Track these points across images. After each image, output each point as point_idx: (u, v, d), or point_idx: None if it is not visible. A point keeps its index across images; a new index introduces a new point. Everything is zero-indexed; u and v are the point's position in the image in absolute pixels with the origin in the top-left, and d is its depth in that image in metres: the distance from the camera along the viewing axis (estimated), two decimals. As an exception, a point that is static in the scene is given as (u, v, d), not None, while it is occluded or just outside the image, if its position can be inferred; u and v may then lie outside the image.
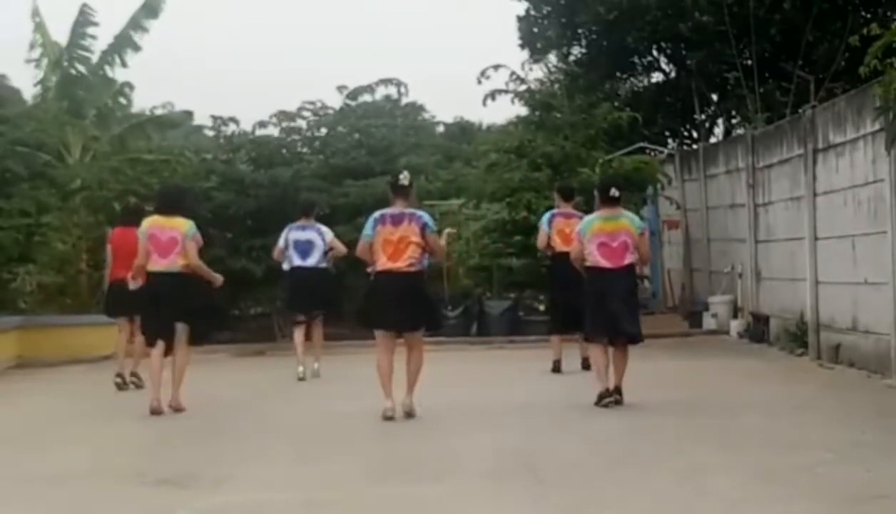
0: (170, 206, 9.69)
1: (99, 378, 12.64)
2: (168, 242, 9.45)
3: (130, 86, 19.57)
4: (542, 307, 17.82)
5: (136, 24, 18.37)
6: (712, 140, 20.23)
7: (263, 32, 74.98)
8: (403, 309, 8.74)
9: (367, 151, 17.72)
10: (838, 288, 12.08)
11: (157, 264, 9.44)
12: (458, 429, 8.38)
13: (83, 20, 18.12)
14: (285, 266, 11.85)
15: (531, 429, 8.33)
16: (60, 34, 18.46)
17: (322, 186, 16.39)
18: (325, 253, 11.75)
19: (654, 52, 20.74)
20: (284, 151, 17.70)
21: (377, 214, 8.89)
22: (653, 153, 18.44)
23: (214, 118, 18.01)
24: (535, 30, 20.65)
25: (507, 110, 43.47)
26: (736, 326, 15.56)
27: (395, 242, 8.70)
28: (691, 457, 7.13)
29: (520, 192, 16.25)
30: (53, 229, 16.04)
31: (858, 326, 11.57)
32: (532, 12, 20.65)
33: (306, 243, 11.66)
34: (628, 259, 9.26)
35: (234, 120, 17.79)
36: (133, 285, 9.97)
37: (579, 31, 20.09)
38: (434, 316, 9.48)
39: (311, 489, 6.50)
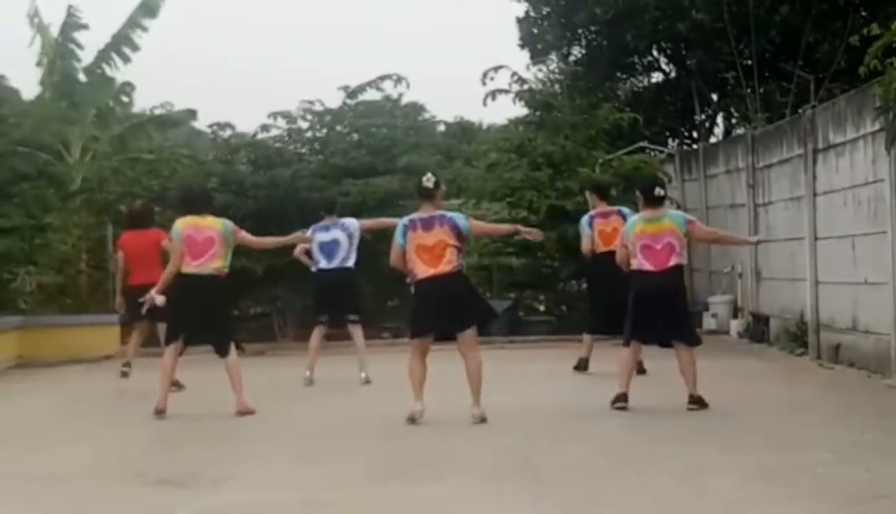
0: (200, 205, 9.48)
1: (99, 378, 12.64)
2: (204, 242, 9.23)
3: (131, 85, 19.54)
4: (542, 307, 17.87)
5: (134, 23, 18.35)
6: (712, 140, 20.24)
7: (263, 32, 75.01)
8: (454, 311, 8.55)
9: (368, 151, 17.71)
10: (838, 288, 12.08)
11: (189, 266, 9.21)
12: (458, 429, 8.38)
13: (71, 22, 18.09)
14: (312, 268, 11.44)
15: (531, 429, 8.33)
16: (58, 34, 18.44)
17: (322, 185, 16.38)
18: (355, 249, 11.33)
19: (654, 52, 20.74)
20: (283, 151, 17.70)
21: (406, 220, 8.70)
22: (653, 153, 18.44)
23: (211, 125, 18.04)
24: (535, 31, 20.65)
25: (507, 110, 43.50)
26: (736, 326, 15.56)
27: (430, 247, 8.50)
28: (691, 457, 7.13)
29: (521, 190, 16.25)
30: (54, 230, 16.05)
31: (858, 326, 11.58)
32: (531, 13, 20.66)
33: (331, 244, 11.27)
34: (674, 261, 9.07)
35: (230, 125, 17.80)
36: (160, 301, 9.41)
37: (579, 31, 20.11)
38: (487, 309, 9.30)
39: (311, 489, 6.50)
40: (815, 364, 12.29)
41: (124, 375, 11.18)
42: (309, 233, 11.16)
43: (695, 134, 21.43)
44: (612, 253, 10.46)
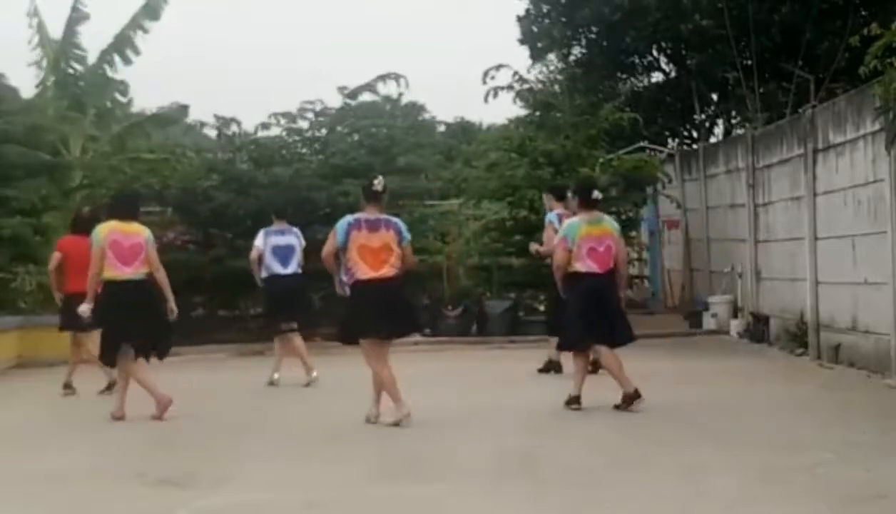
0: (129, 211, 9.36)
1: (99, 378, 12.63)
2: (131, 248, 9.12)
3: (125, 84, 19.53)
4: (542, 307, 17.86)
5: (136, 24, 18.34)
6: (712, 140, 20.24)
7: (263, 32, 75.07)
8: (389, 317, 8.53)
9: (368, 151, 17.72)
10: (838, 288, 12.08)
11: (121, 272, 9.06)
12: (457, 429, 8.38)
13: (76, 17, 18.09)
14: (263, 274, 11.31)
15: (531, 429, 8.33)
16: (59, 34, 18.43)
17: (322, 185, 16.39)
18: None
19: (654, 53, 20.74)
20: (284, 151, 17.70)
21: (350, 218, 8.61)
22: (653, 153, 18.45)
23: (217, 117, 18.01)
24: (535, 29, 20.65)
25: (507, 110, 43.54)
26: (736, 326, 15.56)
27: (375, 249, 8.47)
28: (691, 457, 7.13)
29: (522, 189, 16.24)
30: (53, 229, 16.02)
31: (858, 326, 11.57)
32: (532, 11, 20.66)
33: (286, 249, 11.22)
34: (612, 263, 9.18)
35: (235, 120, 17.79)
36: (84, 309, 9.22)
37: (580, 30, 20.11)
38: (416, 321, 9.36)
39: (311, 489, 6.50)
40: (815, 364, 12.29)
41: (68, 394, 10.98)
42: (261, 236, 11.23)
43: (695, 134, 21.43)
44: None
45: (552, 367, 11.51)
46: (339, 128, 18.27)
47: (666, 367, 12.11)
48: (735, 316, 15.79)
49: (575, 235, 9.17)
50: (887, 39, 9.33)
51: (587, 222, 9.22)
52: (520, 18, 20.85)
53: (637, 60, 20.92)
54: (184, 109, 20.48)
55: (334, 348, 13.12)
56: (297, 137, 18.13)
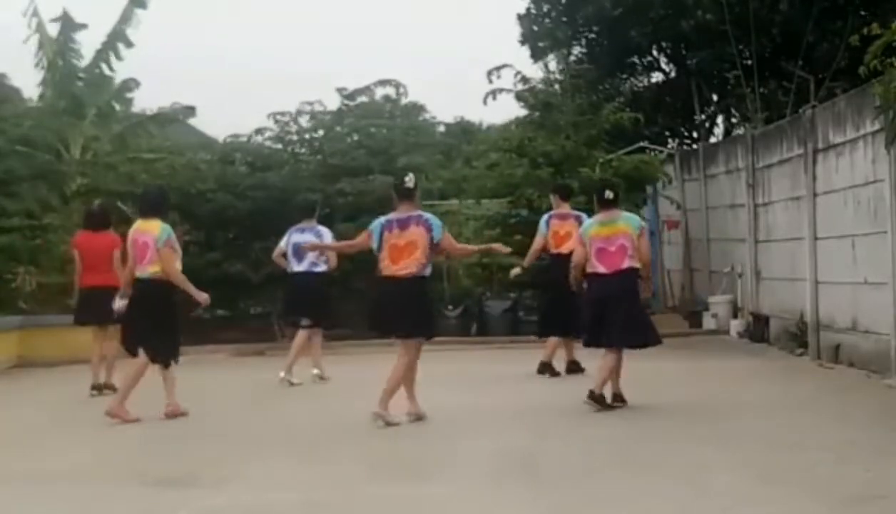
0: (148, 208, 9.35)
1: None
2: (142, 247, 9.13)
3: (135, 82, 19.51)
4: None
5: (126, 18, 18.34)
6: (712, 140, 20.25)
7: (263, 32, 74.97)
8: (400, 316, 8.56)
9: (367, 152, 17.72)
10: (838, 288, 12.08)
11: (137, 271, 9.17)
12: (458, 429, 8.38)
13: (68, 24, 18.09)
14: (288, 270, 11.52)
15: (531, 429, 8.33)
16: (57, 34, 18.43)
17: (320, 185, 16.39)
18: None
19: (655, 52, 20.76)
20: (277, 153, 17.72)
21: (384, 219, 8.67)
22: (653, 153, 18.45)
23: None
24: (536, 28, 20.67)
25: (507, 110, 43.56)
26: (736, 326, 15.56)
27: (401, 246, 8.50)
28: (691, 457, 7.13)
29: (522, 188, 16.24)
30: (54, 230, 16.03)
31: (858, 326, 11.57)
32: (532, 10, 20.67)
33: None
34: (627, 263, 9.09)
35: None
36: (119, 305, 9.43)
37: (581, 29, 20.12)
38: (428, 326, 8.96)
39: (311, 489, 6.51)
40: (815, 364, 12.29)
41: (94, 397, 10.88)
42: (287, 234, 11.38)
43: (695, 134, 21.44)
44: (562, 255, 10.70)
45: (546, 369, 11.48)
46: (338, 128, 18.27)
47: (666, 367, 12.10)
48: (735, 316, 15.79)
49: (586, 235, 9.25)
50: (887, 39, 9.33)
51: (599, 223, 9.25)
52: (520, 17, 20.86)
53: (637, 60, 20.93)
54: (190, 110, 20.48)
55: (335, 347, 13.19)
56: (294, 138, 18.13)
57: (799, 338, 13.22)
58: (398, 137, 19.33)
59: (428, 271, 8.66)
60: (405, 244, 8.51)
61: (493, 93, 17.69)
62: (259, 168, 17.10)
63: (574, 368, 11.45)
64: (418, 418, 8.66)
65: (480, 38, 66.32)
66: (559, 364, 11.49)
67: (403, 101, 22.64)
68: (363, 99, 18.81)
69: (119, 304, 9.45)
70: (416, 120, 28.54)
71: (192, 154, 18.77)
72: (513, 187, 16.61)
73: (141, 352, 9.21)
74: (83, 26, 18.01)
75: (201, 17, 65.64)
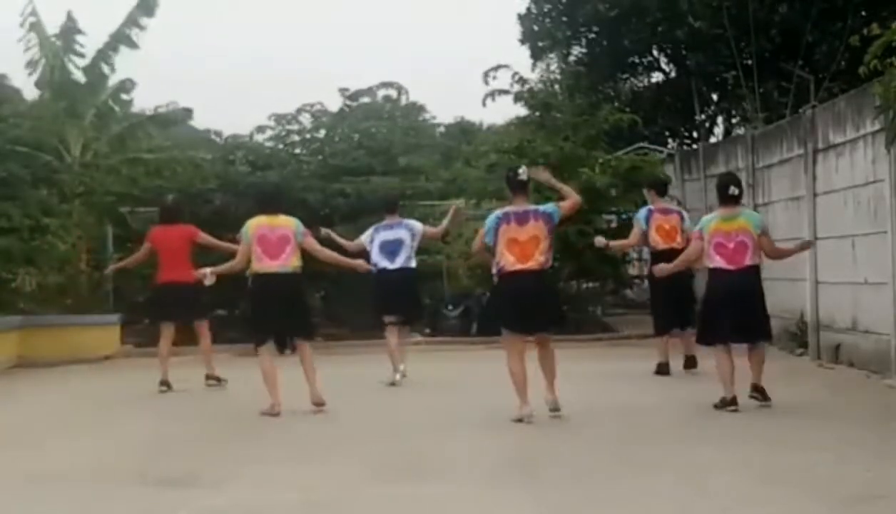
0: (274, 205, 9.52)
1: (99, 378, 12.66)
2: (279, 241, 9.26)
3: (132, 82, 19.50)
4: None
5: (132, 21, 18.33)
6: (712, 140, 20.24)
7: (262, 32, 75.03)
8: (537, 309, 8.50)
9: (367, 152, 17.73)
10: (838, 288, 12.08)
11: (269, 266, 9.25)
12: (458, 429, 8.38)
13: (71, 26, 18.09)
14: (372, 269, 11.09)
15: (531, 429, 8.32)
16: (57, 33, 18.43)
17: (319, 185, 16.37)
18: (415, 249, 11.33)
19: (655, 52, 20.77)
20: (277, 153, 17.73)
21: (500, 212, 8.62)
22: (649, 153, 18.44)
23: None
24: (536, 28, 20.67)
25: (507, 110, 43.54)
26: (736, 326, 15.52)
27: (523, 242, 8.44)
28: (691, 457, 7.13)
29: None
30: (53, 230, 16.03)
31: (858, 326, 11.57)
32: (533, 10, 20.68)
33: (394, 244, 11.16)
34: (748, 260, 8.99)
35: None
36: (209, 281, 9.64)
37: (581, 29, 20.12)
38: (562, 318, 9.22)
39: (311, 489, 6.50)
40: (815, 364, 12.29)
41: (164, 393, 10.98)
42: (370, 231, 11.25)
43: (695, 134, 21.45)
44: (672, 250, 10.76)
45: (665, 369, 11.32)
46: (338, 128, 18.28)
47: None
48: (735, 316, 15.75)
49: (705, 230, 9.17)
50: (887, 39, 9.32)
51: (721, 218, 9.14)
52: (521, 17, 20.86)
53: (637, 60, 20.94)
54: (187, 112, 20.49)
55: (336, 348, 13.18)
56: (295, 138, 18.15)
57: (799, 338, 13.22)
58: (398, 137, 19.34)
59: (550, 263, 8.67)
60: (527, 239, 8.46)
61: (492, 94, 17.71)
62: (260, 167, 17.10)
63: (691, 363, 11.33)
64: (557, 408, 8.60)
65: (480, 39, 66.39)
66: (672, 362, 11.38)
67: (404, 102, 22.66)
68: (365, 99, 18.84)
69: (209, 279, 9.54)
70: (416, 120, 28.58)
71: (192, 152, 18.77)
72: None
73: (270, 345, 9.43)
74: (81, 32, 18.03)
75: (201, 17, 65.69)
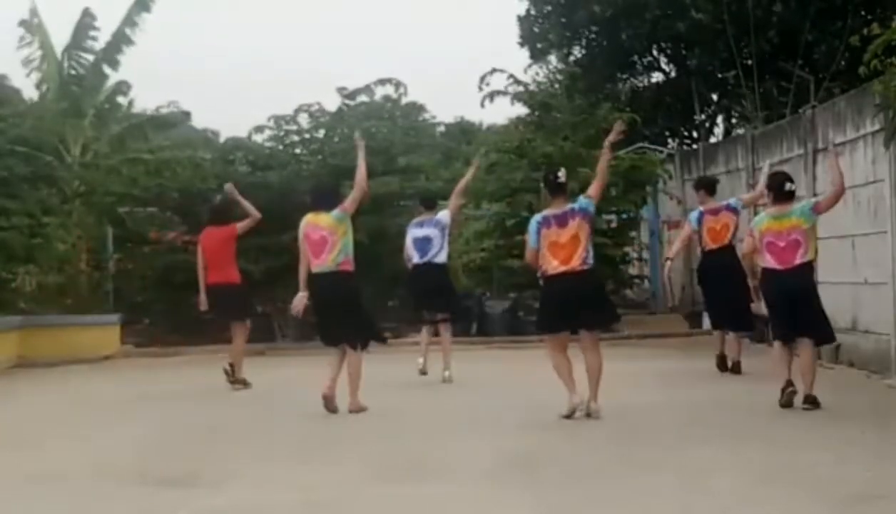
0: (321, 203, 9.33)
1: (99, 378, 12.66)
2: (319, 240, 9.13)
3: (127, 85, 19.52)
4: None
5: (130, 20, 18.35)
6: (712, 140, 20.24)
7: (262, 32, 75.03)
8: (579, 310, 8.52)
9: (367, 152, 17.69)
10: (838, 288, 12.07)
11: (314, 266, 9.16)
12: (457, 429, 8.38)
13: (86, 23, 18.09)
14: (409, 264, 11.50)
15: (531, 429, 8.32)
16: (59, 34, 18.47)
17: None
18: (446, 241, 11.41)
19: (654, 52, 20.76)
20: (276, 153, 17.72)
21: (539, 217, 8.63)
22: (653, 153, 18.44)
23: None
24: (536, 29, 20.67)
25: (507, 110, 43.55)
26: (737, 326, 15.50)
27: (563, 244, 8.46)
28: (691, 457, 7.13)
29: (520, 193, 16.25)
30: (53, 230, 16.03)
31: (858, 326, 11.57)
32: (532, 11, 20.67)
33: (423, 241, 11.31)
34: (800, 258, 8.89)
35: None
36: (296, 312, 9.45)
37: (580, 30, 20.12)
38: (612, 312, 9.28)
39: (311, 489, 6.50)
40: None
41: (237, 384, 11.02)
42: (407, 230, 11.46)
43: (695, 134, 21.44)
44: (722, 249, 10.89)
45: (723, 363, 11.33)
46: (338, 129, 18.25)
47: (666, 367, 12.11)
48: (736, 316, 15.73)
49: (756, 229, 9.14)
50: (887, 38, 9.32)
51: (772, 216, 9.06)
52: (520, 19, 20.86)
53: (637, 60, 20.93)
54: (186, 114, 20.51)
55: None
56: (295, 138, 18.13)
57: (799, 338, 13.19)
58: (398, 137, 19.33)
59: (591, 259, 8.60)
60: (568, 240, 8.46)
61: (491, 95, 17.73)
62: (260, 167, 17.10)
63: (737, 368, 11.26)
64: (596, 415, 8.59)
65: (480, 39, 66.41)
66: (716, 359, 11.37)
67: (403, 100, 22.66)
68: (363, 98, 18.81)
69: (298, 299, 9.31)
70: (416, 120, 28.60)
71: (192, 151, 18.75)
72: (512, 191, 16.62)
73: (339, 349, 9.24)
74: (96, 28, 18.05)
75: (201, 17, 65.68)
